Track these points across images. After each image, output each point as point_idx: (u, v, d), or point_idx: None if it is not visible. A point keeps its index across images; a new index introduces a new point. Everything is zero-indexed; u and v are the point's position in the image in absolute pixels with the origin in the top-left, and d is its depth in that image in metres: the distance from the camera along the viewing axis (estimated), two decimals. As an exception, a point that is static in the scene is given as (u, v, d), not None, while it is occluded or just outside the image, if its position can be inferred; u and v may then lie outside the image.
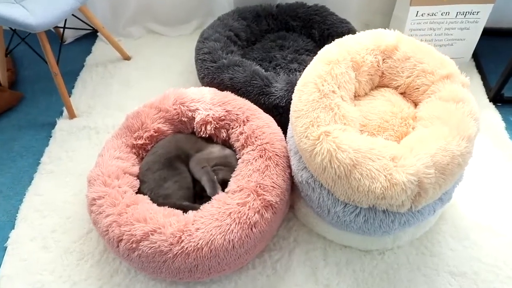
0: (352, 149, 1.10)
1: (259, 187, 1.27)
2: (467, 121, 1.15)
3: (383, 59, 1.33)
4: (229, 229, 1.19)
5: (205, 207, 1.27)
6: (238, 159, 1.40)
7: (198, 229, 1.19)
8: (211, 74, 1.66)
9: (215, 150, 1.45)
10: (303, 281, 1.33)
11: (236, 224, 1.20)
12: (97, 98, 1.93)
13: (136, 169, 1.42)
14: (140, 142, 1.47)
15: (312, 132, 1.15)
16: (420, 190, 1.10)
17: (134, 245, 1.19)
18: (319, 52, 1.32)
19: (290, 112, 1.27)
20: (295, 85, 1.29)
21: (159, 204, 1.30)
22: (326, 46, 1.33)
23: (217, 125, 1.48)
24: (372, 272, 1.34)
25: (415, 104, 1.32)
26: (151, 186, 1.37)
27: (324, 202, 1.22)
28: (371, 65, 1.31)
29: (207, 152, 1.45)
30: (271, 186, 1.28)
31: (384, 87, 1.37)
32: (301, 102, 1.22)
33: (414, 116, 1.27)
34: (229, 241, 1.18)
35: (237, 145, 1.43)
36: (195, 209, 1.28)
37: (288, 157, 1.36)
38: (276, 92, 1.56)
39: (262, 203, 1.25)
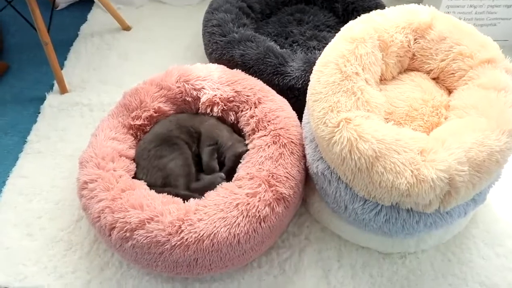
0: (376, 139, 1.10)
1: (272, 176, 1.28)
2: (509, 112, 1.13)
3: (415, 39, 1.32)
4: (235, 222, 1.21)
5: (210, 195, 1.29)
6: (248, 144, 1.42)
7: (200, 219, 1.21)
8: (220, 50, 1.66)
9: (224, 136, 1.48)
10: (314, 284, 1.34)
11: (243, 217, 1.21)
12: (91, 71, 1.94)
13: (133, 152, 1.44)
14: (138, 122, 1.48)
15: (331, 118, 1.15)
16: (451, 188, 1.09)
17: (128, 234, 1.20)
18: (342, 29, 1.32)
19: (307, 95, 1.27)
20: (314, 65, 1.29)
21: (157, 191, 1.32)
22: (350, 22, 1.33)
23: (225, 107, 1.48)
24: (391, 278, 1.35)
25: (449, 92, 1.31)
26: (146, 168, 1.39)
27: (341, 197, 1.22)
28: (401, 45, 1.31)
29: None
30: (285, 176, 1.29)
31: (415, 70, 1.36)
32: (320, 84, 1.22)
33: (447, 104, 1.26)
34: (234, 235, 1.20)
35: (247, 129, 1.45)
36: (195, 197, 1.30)
37: (303, 145, 1.37)
38: (292, 72, 1.56)
39: (274, 195, 1.26)
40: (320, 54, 1.30)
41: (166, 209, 1.23)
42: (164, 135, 1.44)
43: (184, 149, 1.43)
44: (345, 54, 1.23)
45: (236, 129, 1.51)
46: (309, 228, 1.45)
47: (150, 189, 1.33)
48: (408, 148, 1.10)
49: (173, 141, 1.43)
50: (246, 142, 1.44)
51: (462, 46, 1.27)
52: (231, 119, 1.49)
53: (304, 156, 1.36)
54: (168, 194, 1.31)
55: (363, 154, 1.10)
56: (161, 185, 1.36)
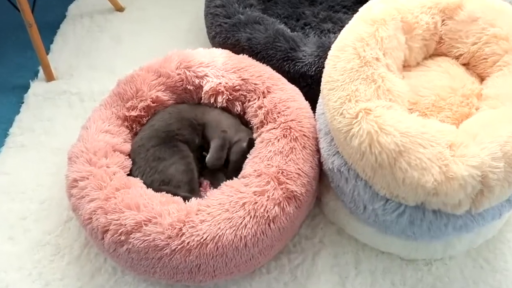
0: (399, 131, 1.10)
1: (282, 173, 1.29)
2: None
3: (443, 20, 1.32)
4: (241, 223, 1.21)
5: (213, 193, 1.30)
6: (256, 138, 1.43)
7: (203, 221, 1.21)
8: (224, 33, 1.67)
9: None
10: (328, 292, 1.35)
11: (250, 217, 1.22)
12: (81, 56, 1.95)
13: (128, 147, 1.45)
14: (134, 113, 1.49)
15: (348, 109, 1.15)
16: (484, 187, 1.09)
17: (123, 237, 1.21)
18: (360, 9, 1.32)
19: (322, 83, 1.27)
20: (329, 49, 1.29)
21: (155, 189, 1.33)
22: (369, 2, 1.32)
23: (230, 96, 1.49)
24: (415, 286, 1.35)
25: (481, 79, 1.31)
26: (143, 168, 1.40)
27: (360, 196, 1.23)
28: (427, 27, 1.30)
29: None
30: (296, 173, 1.29)
31: (442, 55, 1.36)
32: (336, 71, 1.21)
33: (479, 93, 1.26)
34: (241, 237, 1.20)
35: (254, 121, 1.46)
36: (195, 196, 1.32)
37: (317, 138, 1.37)
38: (304, 57, 1.56)
39: (284, 193, 1.26)
40: (336, 37, 1.30)
41: (165, 209, 1.23)
42: (164, 132, 1.45)
43: (185, 151, 1.44)
44: (364, 38, 1.23)
45: (243, 121, 1.52)
46: (323, 230, 1.45)
47: (147, 187, 1.35)
48: (435, 142, 1.09)
49: (173, 143, 1.44)
50: (254, 135, 1.45)
51: (496, 27, 1.26)
52: (237, 110, 1.50)
53: (318, 150, 1.36)
54: (167, 193, 1.32)
55: (384, 148, 1.10)
56: (157, 188, 1.37)
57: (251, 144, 1.42)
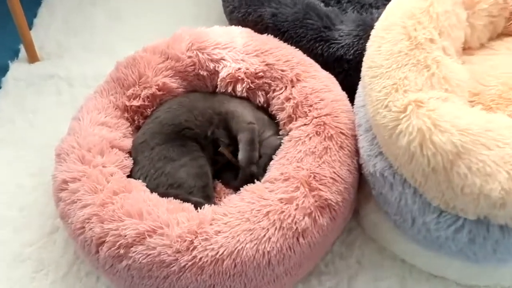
0: (457, 128, 1.09)
1: (314, 177, 1.30)
2: None
3: (515, -8, 1.32)
4: (264, 235, 1.22)
5: (231, 200, 1.31)
6: (283, 135, 1.44)
7: (218, 232, 1.23)
8: (245, 7, 1.69)
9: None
10: (367, 324, 1.36)
11: (276, 229, 1.23)
12: (71, 34, 1.97)
13: (128, 143, 1.48)
14: (136, 103, 1.52)
15: (395, 101, 1.16)
16: None
17: (122, 251, 1.22)
18: (411, -21, 1.32)
19: (363, 69, 1.28)
20: (371, 28, 1.30)
21: (160, 194, 1.35)
22: (423, -29, 1.33)
23: (251, 85, 1.51)
24: (475, 320, 1.36)
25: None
26: (146, 169, 1.43)
27: (408, 207, 1.23)
28: (494, 0, 1.30)
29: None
30: (331, 178, 1.31)
31: (512, 36, 1.36)
32: (381, 54, 1.22)
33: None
34: (264, 253, 1.21)
35: (281, 115, 1.48)
36: (210, 203, 1.34)
37: (356, 137, 1.38)
38: (340, 38, 1.57)
39: (316, 201, 1.28)
40: (380, 14, 1.31)
41: (174, 218, 1.25)
42: (170, 126, 1.48)
43: (196, 151, 1.47)
44: (416, 14, 1.23)
45: (267, 115, 1.53)
46: (361, 248, 1.46)
47: (152, 192, 1.36)
48: (502, 142, 1.08)
49: (181, 141, 1.47)
50: (281, 133, 1.46)
51: None
52: (259, 102, 1.52)
53: (357, 151, 1.37)
54: (175, 198, 1.34)
55: (439, 149, 1.09)
56: (164, 192, 1.39)
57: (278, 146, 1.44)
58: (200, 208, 1.30)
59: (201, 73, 1.55)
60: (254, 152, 1.43)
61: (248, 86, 1.51)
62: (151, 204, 1.29)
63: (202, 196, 1.40)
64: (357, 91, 1.42)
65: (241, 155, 1.43)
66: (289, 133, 1.42)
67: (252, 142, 1.44)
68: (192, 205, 1.32)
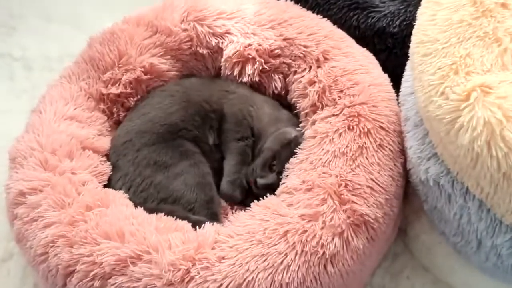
0: (537, 122, 1.07)
1: (345, 186, 1.27)
2: None
3: None
4: (282, 262, 1.19)
5: (240, 217, 1.30)
6: (304, 131, 1.43)
7: (223, 258, 1.20)
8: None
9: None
10: None
11: (296, 254, 1.20)
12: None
13: (105, 143, 1.46)
14: (115, 90, 1.50)
15: (455, 86, 1.12)
16: None
17: (97, 283, 1.19)
18: None
19: (412, 44, 1.25)
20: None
21: (147, 209, 1.33)
22: None
23: (265, 66, 1.50)
24: None
25: None
26: (130, 177, 1.41)
27: (471, 225, 1.20)
28: None
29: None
30: (368, 186, 1.28)
31: None
32: (436, 26, 1.19)
33: None
34: (281, 286, 1.18)
35: (303, 104, 1.45)
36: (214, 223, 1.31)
37: (402, 133, 1.36)
38: (382, 5, 1.57)
39: (349, 217, 1.25)
40: (434, -28, 1.29)
41: (165, 240, 1.22)
42: (162, 126, 1.47)
43: (196, 155, 1.45)
44: (482, -30, 1.21)
45: (284, 103, 1.52)
46: (410, 280, 1.45)
47: (136, 206, 1.34)
48: None
49: (178, 141, 1.46)
50: (302, 125, 1.45)
51: None
52: (275, 88, 1.51)
53: (403, 152, 1.35)
54: (167, 215, 1.32)
55: (513, 149, 1.08)
56: (154, 208, 1.38)
57: (296, 142, 1.42)
58: (200, 227, 1.28)
59: (200, 51, 1.54)
60: (240, 180, 1.44)
61: (261, 68, 1.50)
62: (136, 222, 1.26)
63: (207, 214, 1.38)
64: (404, 74, 1.39)
65: (221, 184, 1.45)
66: (313, 127, 1.40)
67: (241, 164, 1.45)
68: (190, 224, 1.30)
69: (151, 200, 1.39)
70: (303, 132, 1.43)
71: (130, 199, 1.37)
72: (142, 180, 1.40)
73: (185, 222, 1.31)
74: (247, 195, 1.45)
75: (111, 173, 1.43)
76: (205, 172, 1.42)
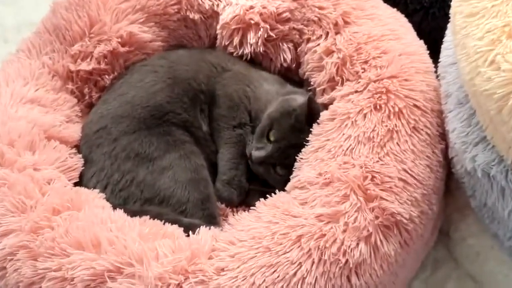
0: None
1: (372, 179, 1.27)
2: None
3: None
4: (295, 274, 1.19)
5: (243, 219, 1.30)
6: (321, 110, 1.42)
7: (222, 269, 1.20)
8: None
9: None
10: None
11: (313, 264, 1.20)
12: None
13: (75, 131, 1.47)
14: (86, 67, 1.51)
15: (507, 52, 1.11)
16: None
17: (68, 304, 1.20)
18: None
19: (453, 2, 1.25)
20: None
21: (129, 211, 1.33)
22: None
23: (271, 33, 1.50)
24: None
25: None
26: (106, 173, 1.42)
27: (532, 226, 1.20)
28: None
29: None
30: (400, 179, 1.28)
31: None
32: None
33: None
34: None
35: (318, 79, 1.46)
36: (214, 226, 1.31)
37: (442, 113, 1.36)
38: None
39: (377, 217, 1.25)
40: None
41: (151, 249, 1.21)
42: (144, 108, 1.47)
43: (187, 144, 1.45)
44: None
45: (294, 80, 1.53)
46: None
47: (114, 208, 1.34)
48: None
49: (164, 127, 1.46)
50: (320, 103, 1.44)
51: None
52: (284, 59, 1.51)
53: (443, 136, 1.35)
54: (153, 218, 1.32)
55: None
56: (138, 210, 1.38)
57: (314, 109, 1.41)
58: (193, 232, 1.27)
59: (191, 16, 1.54)
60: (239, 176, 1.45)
61: (266, 36, 1.50)
62: (114, 227, 1.26)
63: (202, 216, 1.39)
64: (444, 39, 1.39)
65: (215, 185, 1.46)
66: (331, 107, 1.40)
67: (236, 159, 1.46)
68: (181, 229, 1.30)
69: (133, 200, 1.39)
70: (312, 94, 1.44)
71: (108, 199, 1.37)
72: (121, 177, 1.40)
73: (176, 226, 1.30)
74: (248, 193, 1.46)
75: (83, 168, 1.42)
76: (199, 165, 1.42)
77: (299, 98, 1.44)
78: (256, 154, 1.41)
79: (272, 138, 1.41)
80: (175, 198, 1.39)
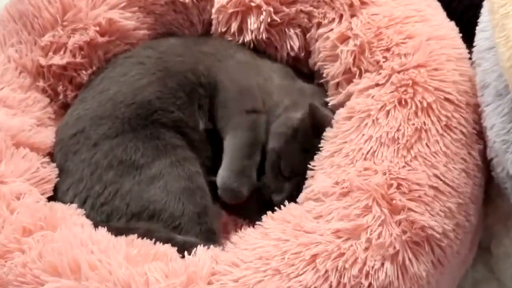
0: None
1: (398, 187, 1.25)
2: None
3: None
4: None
5: (247, 235, 1.28)
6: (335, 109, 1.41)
7: None
8: None
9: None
10: None
11: (330, 287, 1.18)
12: None
13: (48, 135, 1.45)
14: (59, 60, 1.49)
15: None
16: None
17: None
18: None
19: None
20: None
21: (112, 229, 1.31)
22: None
23: (275, 17, 1.49)
24: None
25: None
26: (85, 184, 1.40)
27: None
28: None
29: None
30: (432, 186, 1.26)
31: None
32: None
33: None
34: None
35: (332, 70, 1.44)
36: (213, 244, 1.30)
37: (478, 107, 1.33)
38: None
39: (405, 232, 1.23)
40: None
41: (140, 273, 1.19)
42: (128, 107, 1.45)
43: (180, 148, 1.44)
44: None
45: (304, 72, 1.52)
46: None
47: (96, 226, 1.32)
48: None
49: (155, 130, 1.44)
50: (330, 102, 1.43)
51: None
52: (291, 48, 1.50)
53: (481, 134, 1.33)
54: (142, 237, 1.30)
55: None
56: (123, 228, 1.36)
57: (319, 119, 1.40)
58: (189, 253, 1.26)
59: None
60: (247, 170, 1.43)
61: (269, 20, 1.48)
62: (97, 249, 1.23)
63: (199, 232, 1.37)
64: (479, 20, 1.37)
65: (220, 174, 1.44)
66: (348, 104, 1.38)
67: (248, 151, 1.44)
68: (175, 248, 1.28)
69: (118, 216, 1.37)
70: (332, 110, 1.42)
71: (87, 216, 1.36)
72: (103, 188, 1.38)
73: (169, 246, 1.29)
74: (257, 197, 1.44)
75: (57, 179, 1.41)
76: (193, 172, 1.41)
77: (294, 114, 1.44)
78: (277, 198, 1.40)
79: (286, 174, 1.41)
80: (167, 211, 1.37)
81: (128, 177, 1.39)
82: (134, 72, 1.49)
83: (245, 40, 1.52)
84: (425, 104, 1.31)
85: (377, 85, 1.36)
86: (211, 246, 1.28)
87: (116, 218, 1.37)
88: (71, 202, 1.38)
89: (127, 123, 1.43)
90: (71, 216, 1.32)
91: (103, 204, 1.38)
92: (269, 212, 1.32)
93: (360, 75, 1.40)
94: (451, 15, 1.47)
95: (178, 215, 1.37)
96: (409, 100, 1.32)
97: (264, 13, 1.48)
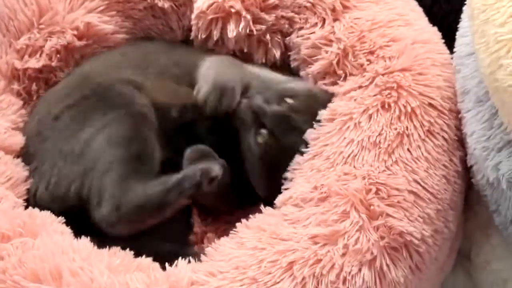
0: None
1: (377, 192, 1.32)
2: None
3: None
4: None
5: (223, 245, 1.33)
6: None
7: None
8: None
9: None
10: None
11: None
12: None
13: (22, 138, 1.50)
14: (35, 64, 1.55)
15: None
16: None
17: None
18: None
19: None
20: None
21: (67, 209, 1.39)
22: None
23: (257, 24, 1.53)
24: None
25: None
26: (46, 169, 1.45)
27: None
28: None
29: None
30: (411, 191, 1.32)
31: None
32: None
33: None
34: None
35: (313, 71, 1.50)
36: (194, 255, 1.35)
37: (459, 113, 1.40)
38: None
39: (383, 238, 1.28)
40: None
41: (122, 283, 1.23)
42: (104, 79, 1.48)
43: (136, 100, 1.46)
44: None
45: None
46: None
47: (77, 236, 1.36)
48: None
49: (114, 93, 1.47)
50: None
51: None
52: (273, 55, 1.55)
53: (461, 141, 1.40)
54: (130, 249, 1.35)
55: None
56: (76, 198, 1.40)
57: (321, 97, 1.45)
58: (174, 263, 1.30)
59: (160, 4, 1.58)
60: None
61: (247, 28, 1.53)
62: (78, 257, 1.26)
63: (125, 172, 1.39)
64: (459, 25, 1.43)
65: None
66: (330, 106, 1.43)
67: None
68: (157, 262, 1.31)
69: (74, 186, 1.40)
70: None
71: (52, 197, 1.41)
72: (61, 158, 1.42)
73: (149, 259, 1.31)
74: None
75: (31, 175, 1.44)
76: (138, 119, 1.44)
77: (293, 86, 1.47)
78: (257, 102, 1.41)
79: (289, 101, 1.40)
80: (103, 161, 1.38)
81: (80, 134, 1.41)
82: (116, 59, 1.54)
83: (226, 47, 1.56)
84: (409, 109, 1.37)
85: (360, 87, 1.42)
86: (188, 259, 1.32)
87: (71, 196, 1.40)
88: (36, 192, 1.43)
89: (94, 90, 1.46)
90: (51, 223, 1.35)
91: (57, 182, 1.41)
92: (244, 220, 1.35)
93: (345, 78, 1.45)
94: (432, 20, 1.51)
95: (110, 161, 1.37)
96: (392, 104, 1.37)
97: (243, 21, 1.51)
